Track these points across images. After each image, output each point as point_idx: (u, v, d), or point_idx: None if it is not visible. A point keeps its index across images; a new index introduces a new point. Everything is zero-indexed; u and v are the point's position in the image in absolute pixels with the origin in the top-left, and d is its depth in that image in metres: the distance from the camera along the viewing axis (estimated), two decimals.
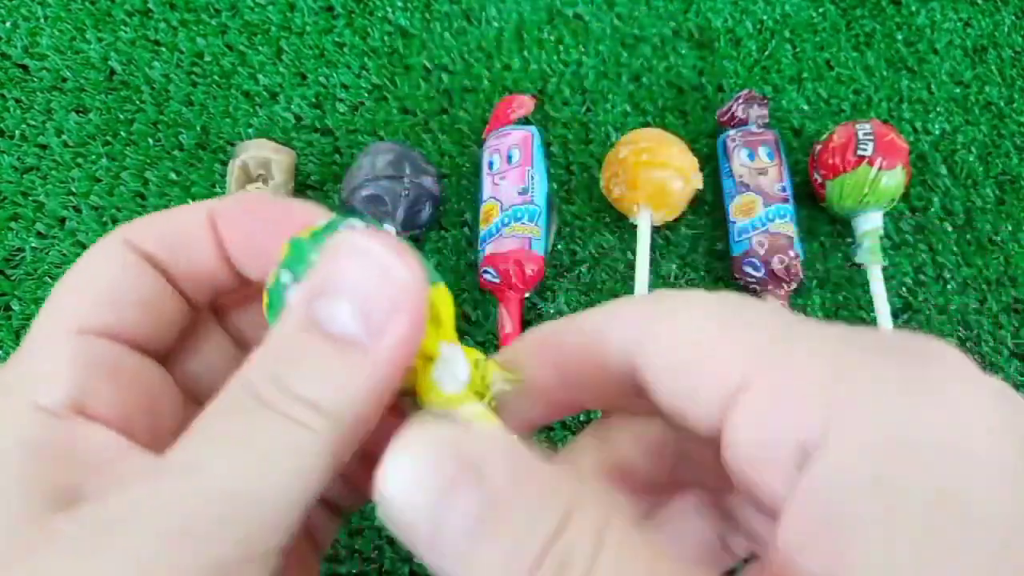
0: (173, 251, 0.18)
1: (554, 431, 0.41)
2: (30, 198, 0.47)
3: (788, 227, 0.44)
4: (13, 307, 0.43)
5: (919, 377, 0.12)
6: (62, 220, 0.46)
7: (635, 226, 0.46)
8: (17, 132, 0.49)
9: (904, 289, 0.47)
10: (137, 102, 0.50)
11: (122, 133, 0.49)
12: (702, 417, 0.14)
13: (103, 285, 0.17)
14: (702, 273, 0.47)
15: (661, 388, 0.15)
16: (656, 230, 0.47)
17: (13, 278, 0.44)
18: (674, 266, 0.47)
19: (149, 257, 0.18)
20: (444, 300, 0.16)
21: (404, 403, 0.17)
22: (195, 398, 0.19)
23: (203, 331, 0.20)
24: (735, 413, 0.13)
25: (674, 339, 0.14)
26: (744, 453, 0.13)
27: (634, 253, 0.45)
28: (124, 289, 0.17)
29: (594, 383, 0.16)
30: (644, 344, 0.15)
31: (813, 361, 0.13)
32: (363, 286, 0.15)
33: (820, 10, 0.57)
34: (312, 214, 0.18)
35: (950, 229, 0.49)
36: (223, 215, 0.18)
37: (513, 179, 0.46)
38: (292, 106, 0.51)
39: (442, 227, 0.47)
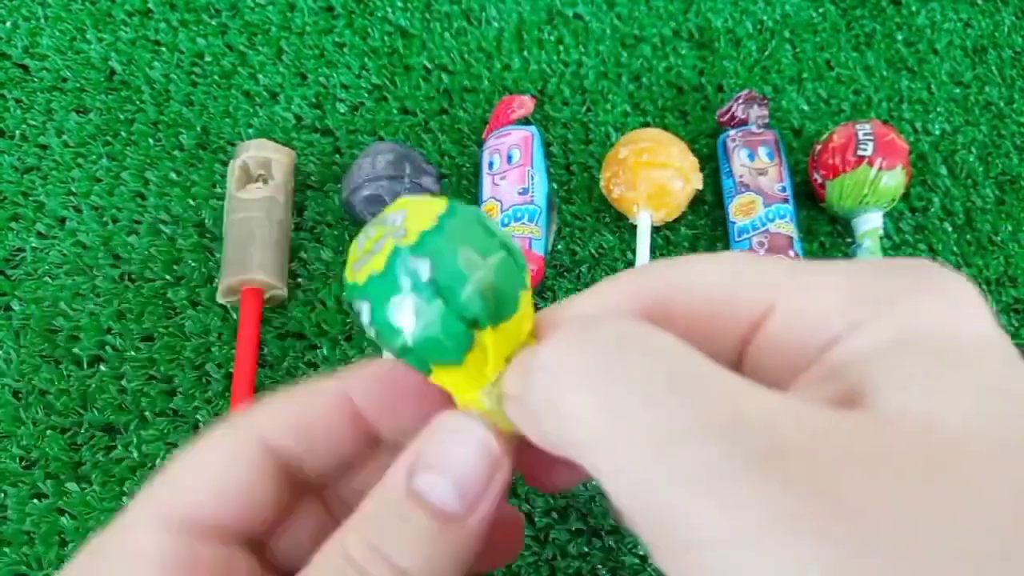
0: (309, 446, 0.18)
1: None
2: (30, 198, 0.47)
3: (788, 227, 0.45)
4: (13, 307, 0.43)
5: (920, 284, 0.14)
6: (62, 220, 0.46)
7: (635, 226, 0.46)
8: (17, 132, 0.49)
9: None
10: (137, 102, 0.50)
11: (122, 133, 0.49)
12: (730, 344, 0.16)
13: (221, 481, 0.17)
14: None
15: (694, 327, 0.16)
16: (656, 230, 0.47)
17: (13, 278, 0.44)
18: None
19: (281, 454, 0.18)
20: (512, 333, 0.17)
21: None
22: (285, 571, 0.19)
23: (302, 506, 0.20)
24: (766, 325, 0.15)
25: (706, 278, 0.16)
26: (773, 360, 0.15)
27: (634, 253, 0.45)
28: (243, 490, 0.17)
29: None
30: (677, 283, 0.16)
31: (827, 280, 0.14)
32: (464, 464, 0.16)
33: (820, 10, 0.57)
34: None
35: (950, 229, 0.49)
36: (359, 393, 0.18)
37: (513, 179, 0.46)
38: (292, 106, 0.51)
39: None
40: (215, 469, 0.17)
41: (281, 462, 0.18)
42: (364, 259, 0.16)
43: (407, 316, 0.16)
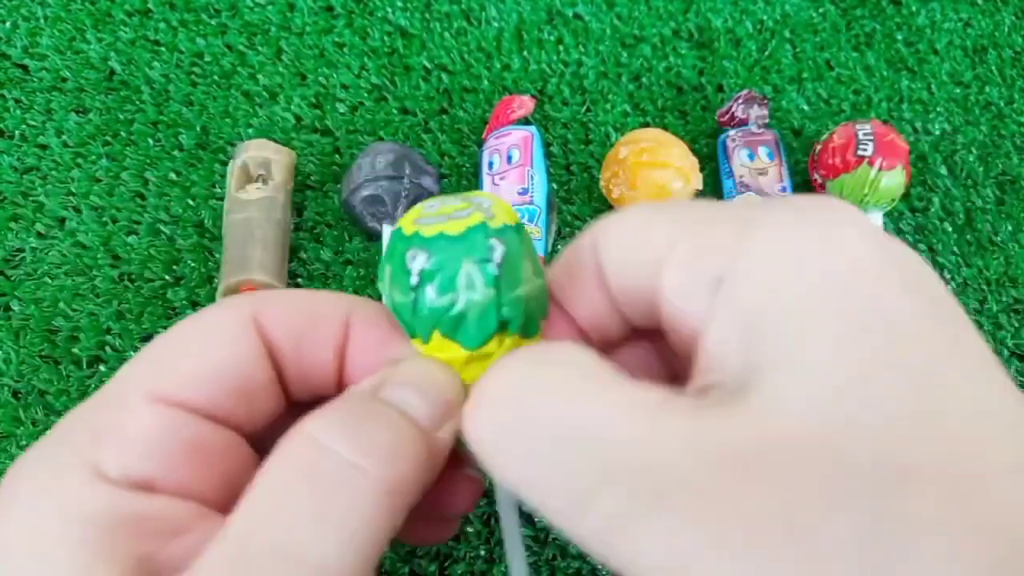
0: (298, 347, 0.17)
1: None
2: (30, 198, 0.47)
3: None
4: (13, 307, 0.43)
5: (812, 218, 0.15)
6: (62, 220, 0.46)
7: None
8: (17, 132, 0.49)
9: None
10: (137, 102, 0.50)
11: (122, 133, 0.49)
12: (644, 289, 0.17)
13: (212, 362, 0.16)
14: None
15: (613, 278, 0.17)
16: None
17: (13, 278, 0.44)
18: None
19: (271, 345, 0.17)
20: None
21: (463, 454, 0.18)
22: None
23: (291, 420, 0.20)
24: (664, 271, 0.16)
25: (619, 232, 0.17)
26: (673, 300, 0.16)
27: None
28: (232, 375, 0.16)
29: (585, 297, 0.18)
30: (599, 244, 0.17)
31: (724, 221, 0.15)
32: (433, 382, 0.17)
33: (820, 10, 0.57)
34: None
35: (950, 229, 0.49)
36: (358, 323, 0.18)
37: (513, 179, 0.46)
38: (292, 106, 0.51)
39: None
40: (214, 357, 0.16)
41: (276, 360, 0.17)
42: (438, 219, 0.17)
43: (463, 283, 0.16)
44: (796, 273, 0.14)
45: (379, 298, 0.20)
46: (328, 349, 0.18)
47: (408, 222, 0.18)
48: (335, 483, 0.14)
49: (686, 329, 0.16)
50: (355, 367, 0.18)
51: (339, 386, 0.18)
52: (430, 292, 0.17)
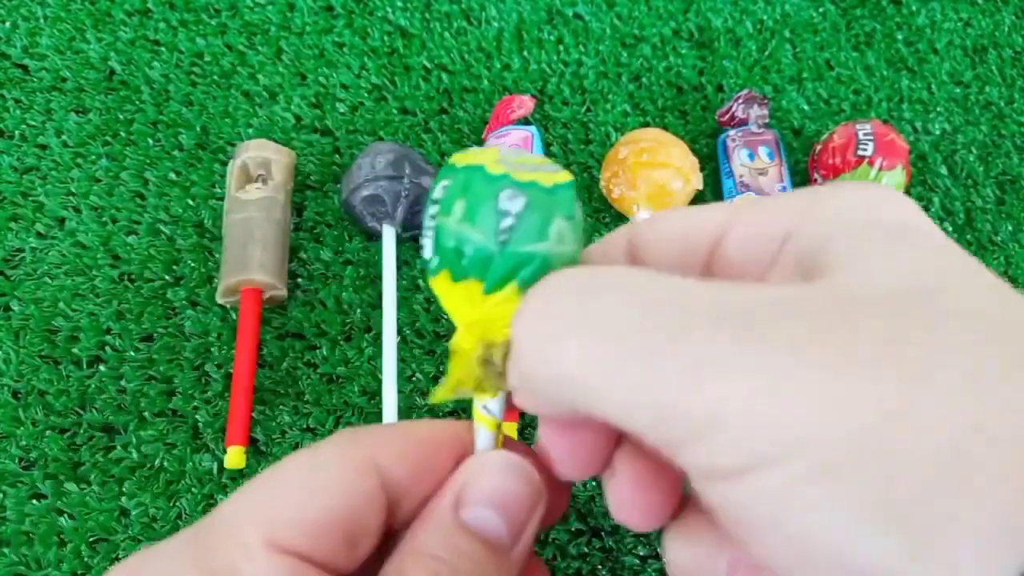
0: (416, 482, 0.17)
1: None
2: (30, 198, 0.47)
3: None
4: (13, 307, 0.43)
5: (872, 186, 0.16)
6: (62, 220, 0.46)
7: None
8: (17, 132, 0.49)
9: None
10: (137, 102, 0.50)
11: (122, 133, 0.49)
12: (695, 260, 0.17)
13: (332, 511, 0.16)
14: None
15: (655, 257, 0.18)
16: None
17: (13, 278, 0.44)
18: None
19: (389, 485, 0.17)
20: None
21: None
22: None
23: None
24: (729, 232, 0.16)
25: (666, 219, 0.18)
26: (734, 255, 0.17)
27: None
28: (348, 524, 0.16)
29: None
30: (638, 235, 0.18)
31: (768, 201, 0.16)
32: (510, 496, 0.17)
33: (820, 10, 0.57)
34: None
35: (950, 229, 0.49)
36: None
37: None
38: (292, 106, 0.51)
39: None
40: (332, 502, 0.16)
41: (391, 495, 0.17)
42: (523, 167, 0.17)
43: (554, 235, 0.16)
44: (865, 220, 0.15)
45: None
46: (442, 477, 0.18)
47: (490, 161, 0.17)
48: None
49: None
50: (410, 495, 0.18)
51: None
52: (521, 236, 0.16)
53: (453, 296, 0.17)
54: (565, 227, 0.16)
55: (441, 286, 0.17)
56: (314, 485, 0.16)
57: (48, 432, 0.40)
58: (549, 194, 0.16)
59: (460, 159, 0.17)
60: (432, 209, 0.17)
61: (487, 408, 0.18)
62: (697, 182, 0.46)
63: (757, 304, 0.13)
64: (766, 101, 0.49)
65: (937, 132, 0.52)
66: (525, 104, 0.49)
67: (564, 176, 0.17)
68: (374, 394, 0.42)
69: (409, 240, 0.46)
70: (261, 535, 0.15)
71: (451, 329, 0.44)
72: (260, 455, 0.40)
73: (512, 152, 0.17)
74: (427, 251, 0.18)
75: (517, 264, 0.16)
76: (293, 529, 0.15)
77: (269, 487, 0.16)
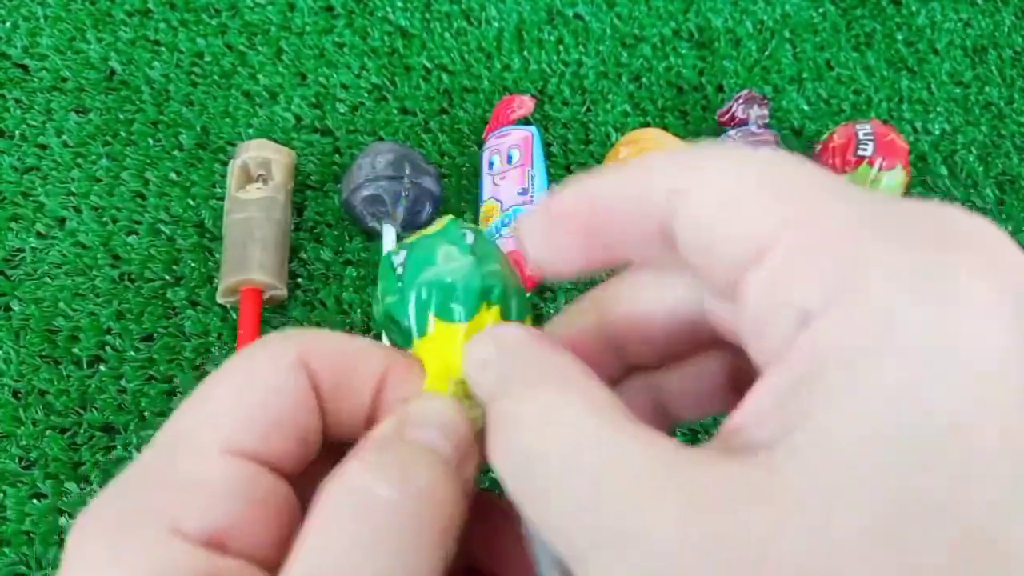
0: (338, 388, 0.17)
1: None
2: (30, 198, 0.47)
3: None
4: (13, 307, 0.43)
5: (933, 265, 0.12)
6: (62, 220, 0.46)
7: None
8: (17, 132, 0.49)
9: None
10: (137, 102, 0.50)
11: (122, 133, 0.49)
12: (722, 274, 0.14)
13: (268, 406, 0.16)
14: None
15: (688, 245, 0.15)
16: None
17: (13, 278, 0.44)
18: None
19: (316, 385, 0.17)
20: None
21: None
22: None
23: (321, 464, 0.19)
24: (754, 272, 0.13)
25: (705, 195, 0.14)
26: (754, 310, 0.14)
27: None
28: (288, 416, 0.16)
29: (627, 238, 0.16)
30: (676, 198, 0.15)
31: (833, 231, 0.13)
32: (452, 421, 0.17)
33: (820, 10, 0.57)
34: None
35: None
36: (393, 377, 0.18)
37: (513, 179, 0.46)
38: (292, 106, 0.51)
39: None
40: (269, 400, 0.16)
41: (319, 399, 0.17)
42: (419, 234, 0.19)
43: (441, 258, 0.18)
44: (879, 346, 0.12)
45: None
46: (366, 393, 0.18)
47: (395, 251, 0.20)
48: (388, 528, 0.14)
49: (759, 355, 0.14)
50: (389, 413, 0.18)
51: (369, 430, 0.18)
52: (415, 276, 0.18)
53: (416, 358, 0.19)
54: (451, 249, 0.18)
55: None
56: (253, 386, 0.16)
57: (48, 432, 0.40)
58: (437, 235, 0.19)
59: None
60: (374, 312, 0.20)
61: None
62: None
63: (669, 541, 0.12)
64: (766, 101, 0.49)
65: (937, 132, 0.52)
66: (525, 104, 0.49)
67: (447, 219, 0.19)
68: None
69: None
70: (217, 442, 0.16)
71: None
72: None
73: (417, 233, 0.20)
74: (386, 342, 0.20)
75: (418, 296, 0.18)
76: (244, 432, 0.16)
77: (210, 396, 0.17)
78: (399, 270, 0.18)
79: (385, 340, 0.19)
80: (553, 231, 0.17)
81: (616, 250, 0.17)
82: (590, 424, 0.14)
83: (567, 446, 0.14)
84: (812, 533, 0.11)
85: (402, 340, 0.19)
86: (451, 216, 0.19)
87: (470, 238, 0.19)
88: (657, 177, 0.15)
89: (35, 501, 0.38)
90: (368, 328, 0.44)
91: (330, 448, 0.18)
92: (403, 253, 0.19)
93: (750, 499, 0.11)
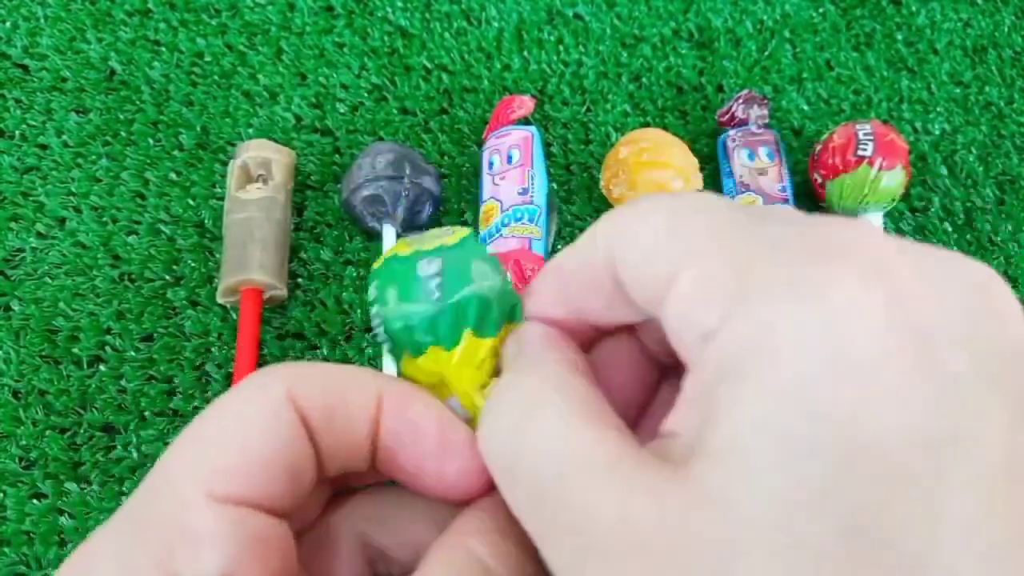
0: (331, 423, 0.17)
1: None
2: (30, 198, 0.47)
3: None
4: (13, 307, 0.43)
5: (812, 275, 0.13)
6: (62, 220, 0.46)
7: None
8: (17, 132, 0.49)
9: None
10: (137, 102, 0.50)
11: (122, 133, 0.49)
12: (652, 308, 0.16)
13: (254, 449, 0.16)
14: None
15: (630, 290, 0.17)
16: None
17: (13, 278, 0.44)
18: None
19: (306, 423, 0.17)
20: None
21: None
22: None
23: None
24: (667, 303, 0.15)
25: (635, 243, 0.16)
26: (671, 333, 0.15)
27: None
28: (276, 457, 0.16)
29: (593, 300, 0.18)
30: (615, 250, 0.17)
31: (726, 258, 0.14)
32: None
33: (820, 10, 0.57)
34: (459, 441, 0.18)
35: (950, 229, 0.49)
36: (390, 404, 0.18)
37: (513, 179, 0.46)
38: (292, 106, 0.51)
39: (442, 227, 0.47)
40: (260, 443, 0.16)
41: (311, 437, 0.17)
42: (426, 239, 0.20)
43: (477, 274, 0.19)
44: (762, 349, 0.13)
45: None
46: (362, 423, 0.18)
47: (400, 248, 0.19)
48: None
49: (684, 360, 0.16)
50: (391, 443, 0.18)
51: (373, 461, 0.18)
52: (456, 290, 0.18)
53: (424, 370, 0.19)
54: (483, 265, 0.19)
55: (410, 368, 0.19)
56: (239, 429, 0.17)
57: (48, 432, 0.40)
58: (458, 247, 0.19)
59: (376, 263, 0.20)
60: (373, 311, 0.19)
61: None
62: (697, 182, 0.46)
63: (646, 538, 0.13)
64: (766, 101, 0.49)
65: (937, 132, 0.52)
66: (525, 104, 0.49)
67: (464, 231, 0.19)
68: None
69: None
70: (200, 489, 0.16)
71: None
72: None
73: (415, 234, 0.20)
74: (386, 348, 0.20)
75: (459, 311, 0.18)
76: (228, 476, 0.16)
77: (197, 439, 0.17)
78: (432, 282, 0.18)
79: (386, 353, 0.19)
80: (544, 309, 0.19)
81: (589, 309, 0.18)
82: (564, 420, 0.15)
83: (539, 437, 0.15)
84: (716, 518, 0.12)
85: (412, 349, 0.19)
86: (468, 229, 0.20)
87: (489, 252, 0.19)
88: (600, 242, 0.17)
89: (35, 501, 0.38)
90: (368, 328, 0.44)
91: (331, 479, 0.18)
92: (436, 263, 0.18)
93: (672, 494, 0.13)
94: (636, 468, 0.14)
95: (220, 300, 0.43)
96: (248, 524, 0.16)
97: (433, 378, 0.19)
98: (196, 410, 0.41)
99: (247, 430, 0.16)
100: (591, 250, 0.17)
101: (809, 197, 0.48)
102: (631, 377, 0.20)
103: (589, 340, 0.20)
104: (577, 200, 0.49)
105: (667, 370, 0.20)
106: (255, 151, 0.45)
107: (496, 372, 0.19)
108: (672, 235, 0.15)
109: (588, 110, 0.52)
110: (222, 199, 0.47)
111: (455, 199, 0.48)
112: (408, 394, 0.18)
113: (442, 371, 0.19)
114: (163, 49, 0.52)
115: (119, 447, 0.40)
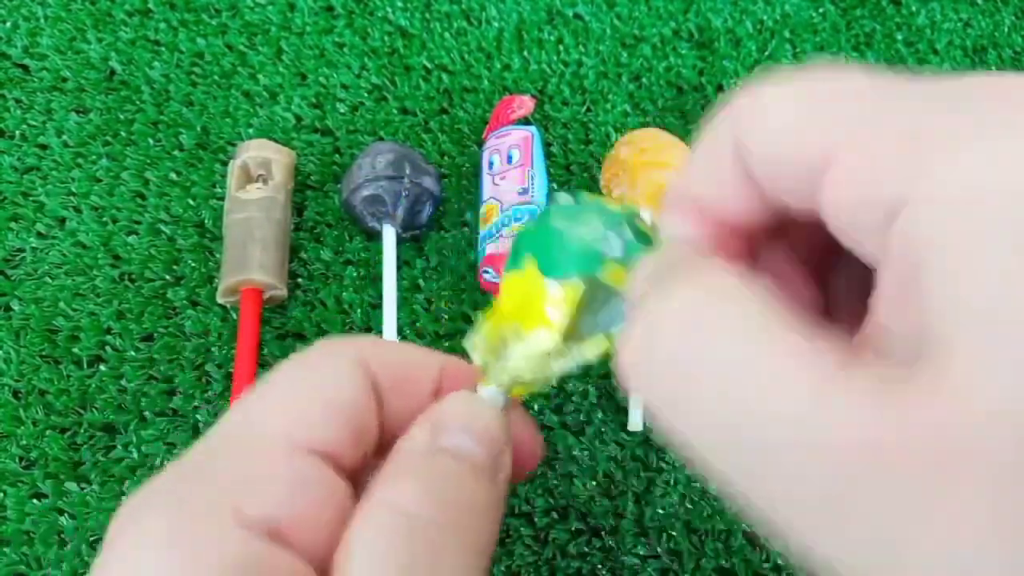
0: (398, 387, 0.18)
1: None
2: (30, 198, 0.47)
3: None
4: (13, 307, 0.43)
5: (1003, 114, 0.11)
6: (62, 220, 0.46)
7: None
8: (17, 132, 0.49)
9: None
10: (137, 102, 0.50)
11: (122, 133, 0.49)
12: (804, 201, 0.14)
13: (332, 402, 0.17)
14: None
15: (766, 183, 0.15)
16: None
17: (13, 278, 0.44)
18: None
19: (376, 385, 0.18)
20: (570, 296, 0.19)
21: None
22: None
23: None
24: (826, 190, 0.13)
25: (768, 127, 0.14)
26: (840, 225, 0.13)
27: None
28: (350, 413, 0.17)
29: (727, 202, 0.16)
30: (745, 139, 0.15)
31: (894, 123, 0.12)
32: (486, 423, 0.17)
33: (820, 10, 0.57)
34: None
35: None
36: (451, 377, 0.18)
37: (513, 179, 0.46)
38: (292, 106, 0.51)
39: (442, 227, 0.47)
40: (335, 398, 0.17)
41: (377, 401, 0.18)
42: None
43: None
44: (978, 213, 0.11)
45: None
46: (425, 393, 0.18)
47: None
48: (427, 548, 0.15)
49: (862, 257, 0.14)
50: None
51: None
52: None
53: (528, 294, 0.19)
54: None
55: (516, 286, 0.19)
56: (319, 384, 0.17)
57: (48, 432, 0.40)
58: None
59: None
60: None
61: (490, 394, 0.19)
62: None
63: (854, 455, 0.11)
64: None
65: None
66: (525, 104, 0.49)
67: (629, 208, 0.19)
68: None
69: (409, 240, 0.46)
70: (284, 435, 0.16)
71: (451, 329, 0.45)
72: None
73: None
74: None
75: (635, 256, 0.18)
76: (310, 426, 0.16)
77: (280, 389, 0.17)
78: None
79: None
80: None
81: (727, 214, 0.16)
82: (739, 332, 0.13)
83: (714, 356, 0.13)
84: (968, 420, 0.10)
85: (543, 262, 0.18)
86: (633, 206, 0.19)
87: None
88: (724, 137, 0.15)
89: (35, 501, 0.38)
90: (369, 328, 0.44)
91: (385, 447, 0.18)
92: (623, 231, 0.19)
93: (914, 399, 0.11)
94: (863, 372, 0.12)
95: (220, 300, 0.43)
96: (321, 476, 0.16)
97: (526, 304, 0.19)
98: (196, 410, 0.41)
99: (325, 385, 0.17)
100: (716, 147, 0.15)
101: None
102: (794, 283, 0.18)
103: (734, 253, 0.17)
104: None
105: (825, 269, 0.18)
106: (255, 151, 0.45)
107: (571, 332, 0.18)
108: (814, 111, 0.13)
109: (588, 110, 0.52)
110: (222, 199, 0.47)
111: (455, 199, 0.48)
112: (466, 369, 0.19)
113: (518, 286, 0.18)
114: (163, 49, 0.52)
115: (119, 447, 0.40)
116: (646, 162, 0.44)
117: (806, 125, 0.13)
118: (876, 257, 0.13)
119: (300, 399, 0.17)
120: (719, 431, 0.13)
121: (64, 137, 0.49)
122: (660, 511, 0.39)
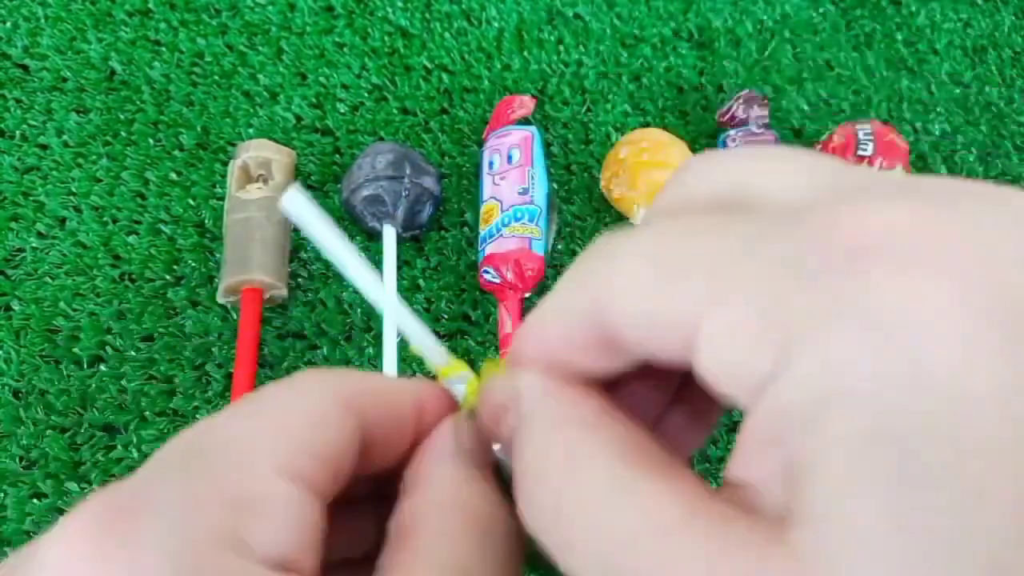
0: (377, 426, 0.18)
1: None
2: (30, 198, 0.47)
3: None
4: (13, 307, 0.43)
5: (848, 292, 0.11)
6: (62, 220, 0.46)
7: (635, 226, 0.46)
8: (17, 132, 0.49)
9: None
10: (137, 102, 0.50)
11: (122, 133, 0.49)
12: (676, 360, 0.14)
13: (317, 434, 0.16)
14: None
15: (631, 345, 0.15)
16: None
17: (13, 278, 0.44)
18: None
19: (359, 425, 0.17)
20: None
21: None
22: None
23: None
24: (698, 353, 0.13)
25: (625, 296, 0.14)
26: (711, 384, 0.13)
27: None
28: (333, 447, 0.17)
29: (583, 356, 0.16)
30: (603, 307, 0.15)
31: (748, 291, 0.12)
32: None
33: (820, 10, 0.57)
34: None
35: None
36: (429, 410, 0.19)
37: (513, 179, 0.46)
38: (292, 106, 0.51)
39: (442, 227, 0.47)
40: (319, 435, 0.16)
41: (360, 439, 0.17)
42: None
43: None
44: (850, 402, 0.11)
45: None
46: (408, 427, 0.18)
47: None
48: (495, 540, 0.16)
49: (733, 405, 0.14)
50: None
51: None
52: None
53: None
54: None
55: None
56: (304, 415, 0.16)
57: (49, 431, 0.40)
58: None
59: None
60: None
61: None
62: None
63: None
64: (766, 101, 0.49)
65: (937, 132, 0.52)
66: (525, 104, 0.49)
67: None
68: None
69: (409, 240, 0.46)
70: (270, 462, 0.15)
71: (451, 329, 0.45)
72: None
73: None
74: None
75: None
76: (299, 456, 0.16)
77: (267, 413, 0.16)
78: None
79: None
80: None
81: (579, 366, 0.16)
82: (615, 473, 0.13)
83: (593, 499, 0.13)
84: None
85: None
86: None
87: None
88: (580, 295, 0.15)
89: (35, 501, 0.38)
90: (368, 328, 0.44)
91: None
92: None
93: (775, 564, 0.11)
94: (723, 527, 0.12)
95: (220, 300, 0.43)
96: (311, 507, 0.16)
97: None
98: (196, 410, 0.41)
99: (312, 415, 0.16)
100: (572, 304, 0.16)
101: None
102: (637, 407, 0.18)
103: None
104: (577, 200, 0.49)
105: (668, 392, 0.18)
106: (255, 151, 0.45)
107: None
108: (670, 275, 0.13)
109: (588, 110, 0.52)
110: (222, 199, 0.47)
111: (455, 199, 0.48)
112: (442, 394, 0.19)
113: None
114: (163, 49, 0.52)
115: (119, 447, 0.40)
116: (646, 162, 0.44)
117: (667, 291, 0.13)
118: (744, 407, 0.13)
119: (289, 428, 0.16)
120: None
121: (64, 137, 0.49)
122: None
